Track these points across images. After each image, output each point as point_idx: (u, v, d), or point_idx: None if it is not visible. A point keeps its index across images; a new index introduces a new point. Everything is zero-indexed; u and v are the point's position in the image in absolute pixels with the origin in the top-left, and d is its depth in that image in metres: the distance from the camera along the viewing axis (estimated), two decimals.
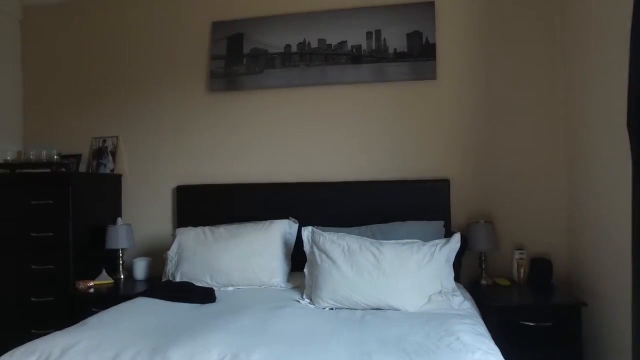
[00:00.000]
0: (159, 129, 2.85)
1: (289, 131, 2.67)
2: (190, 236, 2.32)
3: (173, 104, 2.83)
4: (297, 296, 2.01)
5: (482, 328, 1.56)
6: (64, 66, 3.04)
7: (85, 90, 3.00)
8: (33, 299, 2.50)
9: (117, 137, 2.89)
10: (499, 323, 1.91)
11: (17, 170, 2.68)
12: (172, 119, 2.83)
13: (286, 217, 2.42)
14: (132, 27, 2.92)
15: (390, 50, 2.55)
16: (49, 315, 2.48)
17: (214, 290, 2.05)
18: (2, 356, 1.41)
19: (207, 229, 2.35)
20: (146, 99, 2.88)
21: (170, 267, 2.31)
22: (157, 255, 2.72)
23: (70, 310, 2.44)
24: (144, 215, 2.85)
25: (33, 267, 2.49)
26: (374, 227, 2.25)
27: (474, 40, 2.53)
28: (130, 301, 1.99)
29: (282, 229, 2.31)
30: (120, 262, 2.65)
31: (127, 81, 2.92)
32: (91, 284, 2.47)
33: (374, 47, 2.58)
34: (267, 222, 2.34)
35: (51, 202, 2.47)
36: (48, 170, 2.65)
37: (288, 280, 2.22)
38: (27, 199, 2.51)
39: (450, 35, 2.55)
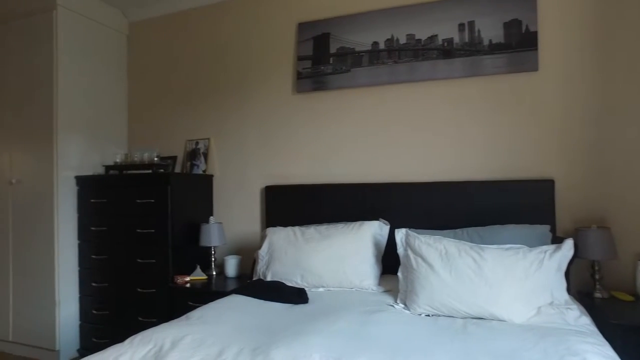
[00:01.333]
0: (247, 131, 2.94)
1: (378, 130, 2.61)
2: (280, 236, 2.36)
3: (261, 106, 2.91)
4: (390, 300, 1.94)
5: (610, 350, 1.38)
6: (163, 75, 3.27)
7: (181, 96, 3.19)
8: (139, 289, 2.70)
9: (208, 139, 3.04)
10: (623, 346, 1.67)
11: (124, 172, 2.92)
12: (260, 120, 2.90)
13: (375, 218, 2.36)
14: (223, 34, 3.05)
15: (485, 42, 2.39)
16: (152, 305, 2.67)
17: (305, 291, 2.05)
18: (126, 340, 1.52)
19: (297, 229, 2.36)
20: (235, 103, 2.99)
21: (261, 266, 2.36)
22: (247, 253, 2.81)
23: (170, 302, 2.60)
24: (233, 214, 2.96)
25: (138, 260, 2.69)
26: (470, 230, 2.11)
27: (583, 26, 2.28)
28: (225, 298, 2.06)
29: (372, 231, 2.25)
30: (213, 259, 2.77)
31: (219, 86, 3.06)
32: (187, 279, 2.61)
33: (466, 40, 2.43)
34: (357, 223, 2.29)
35: (152, 201, 2.65)
36: (149, 171, 2.86)
37: (379, 284, 2.16)
38: (133, 197, 2.72)
39: (554, 21, 2.32)
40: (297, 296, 1.98)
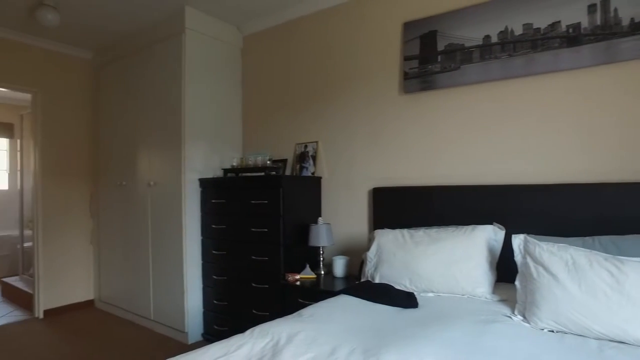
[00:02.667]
0: (354, 134, 2.98)
1: (490, 129, 2.45)
2: (389, 238, 2.34)
3: (367, 108, 2.92)
4: (506, 311, 1.81)
5: None
6: (273, 83, 3.48)
7: (290, 102, 3.36)
8: (253, 284, 2.91)
9: (316, 142, 3.15)
10: None
11: (240, 174, 3.17)
12: (367, 122, 2.92)
13: (488, 222, 2.22)
14: (328, 39, 3.14)
15: (625, 22, 2.09)
16: (265, 300, 2.84)
17: (414, 295, 2.01)
18: (247, 331, 1.64)
19: (405, 231, 2.33)
20: (342, 106, 3.05)
21: (369, 268, 2.37)
22: (354, 254, 2.85)
23: (281, 298, 2.75)
24: (341, 215, 3.02)
25: (253, 257, 2.90)
26: (604, 239, 1.87)
27: None
28: (335, 298, 2.12)
29: (486, 236, 2.13)
30: (321, 259, 2.86)
31: (325, 90, 3.15)
32: (297, 277, 2.73)
33: (598, 23, 2.16)
34: (470, 227, 2.18)
35: (266, 202, 2.83)
36: (262, 173, 3.06)
37: (494, 292, 2.03)
38: (248, 198, 2.94)
39: None
40: (406, 300, 1.95)
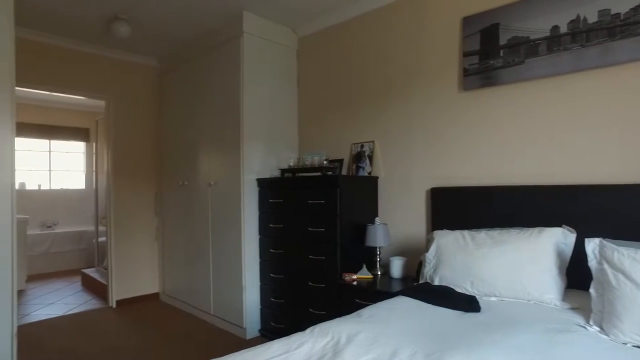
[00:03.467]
0: (412, 133, 2.93)
1: (557, 126, 2.31)
2: (448, 240, 2.28)
3: (425, 106, 2.86)
4: (580, 320, 1.70)
5: None
6: (328, 83, 3.50)
7: (346, 101, 3.36)
8: (310, 283, 2.94)
9: (373, 142, 3.12)
10: None
11: (297, 174, 3.22)
12: (425, 121, 2.86)
13: (556, 224, 2.09)
14: (383, 38, 3.10)
15: None
16: (321, 299, 2.87)
17: (477, 299, 1.94)
18: (307, 330, 1.67)
19: (466, 233, 2.25)
20: (399, 105, 3.00)
21: (428, 270, 2.32)
22: (411, 255, 2.80)
23: (337, 297, 2.76)
24: (398, 215, 2.98)
25: (310, 256, 2.93)
26: None
27: None
28: (393, 299, 2.09)
29: (554, 239, 2.00)
30: (378, 259, 2.84)
31: (382, 89, 3.12)
32: (354, 277, 2.72)
33: None
34: (536, 229, 2.07)
35: (323, 202, 2.85)
36: (319, 173, 3.08)
37: (564, 299, 1.91)
38: (305, 198, 2.97)
39: None
40: (467, 303, 1.89)
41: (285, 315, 3.16)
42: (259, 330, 3.41)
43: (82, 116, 7.01)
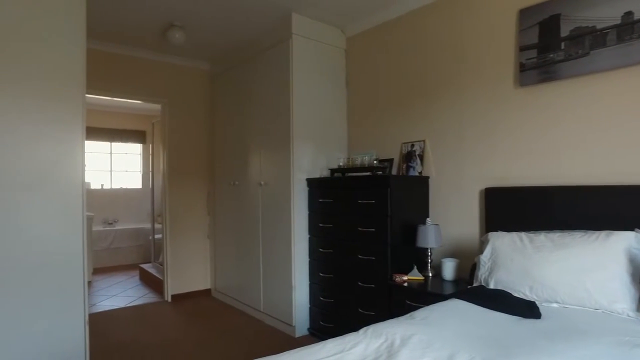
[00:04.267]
0: (464, 131, 2.84)
1: (627, 122, 2.15)
2: (504, 242, 2.19)
3: (478, 104, 2.76)
4: None
5: None
6: (377, 82, 3.47)
7: (395, 100, 3.32)
8: (359, 283, 2.93)
9: (424, 141, 3.06)
10: None
11: (346, 174, 3.22)
12: (478, 119, 2.76)
13: (625, 228, 1.95)
14: (433, 34, 3.03)
15: None
16: (371, 299, 2.85)
17: (536, 305, 1.85)
18: (360, 330, 1.66)
19: (523, 235, 2.16)
20: (450, 102, 2.93)
21: (482, 272, 2.25)
22: (464, 257, 2.72)
23: (388, 298, 2.73)
24: (450, 216, 2.90)
25: (359, 256, 2.92)
26: None
27: None
28: (446, 302, 2.04)
29: (625, 243, 1.87)
30: (429, 260, 2.78)
31: (432, 87, 3.05)
32: (405, 278, 2.69)
33: None
34: (603, 233, 1.94)
35: (373, 201, 2.84)
36: (368, 173, 3.07)
37: (638, 309, 1.78)
38: (355, 198, 2.97)
39: None
40: (527, 309, 1.81)
41: (334, 315, 3.18)
42: (308, 329, 3.44)
43: (139, 119, 7.40)
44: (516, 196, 2.49)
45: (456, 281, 2.63)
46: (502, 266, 2.13)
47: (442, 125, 2.97)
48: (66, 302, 2.49)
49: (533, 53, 2.48)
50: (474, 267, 2.41)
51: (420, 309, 1.94)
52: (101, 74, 4.07)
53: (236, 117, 4.21)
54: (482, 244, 2.37)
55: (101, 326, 3.66)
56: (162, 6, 3.29)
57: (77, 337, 2.53)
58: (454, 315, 1.82)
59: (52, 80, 2.46)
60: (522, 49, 2.53)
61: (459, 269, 2.66)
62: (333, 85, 3.67)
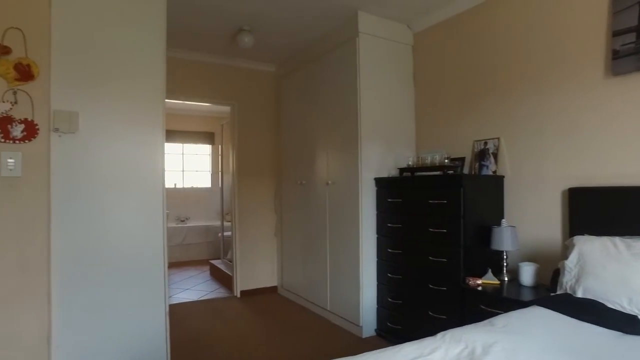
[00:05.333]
0: (544, 127, 2.65)
1: None
2: (594, 247, 2.01)
3: (560, 97, 2.57)
4: None
5: None
6: (446, 78, 3.35)
7: (466, 97, 3.18)
8: (430, 285, 2.85)
9: (498, 139, 2.91)
10: None
11: (415, 173, 3.14)
12: (560, 114, 2.57)
13: None
14: (504, 25, 2.87)
15: None
16: (442, 302, 2.76)
17: (638, 319, 1.68)
18: (437, 335, 1.61)
19: (617, 240, 1.97)
20: (527, 97, 2.75)
21: (568, 279, 2.08)
22: (544, 262, 2.55)
23: (460, 302, 2.62)
24: (527, 218, 2.73)
25: (430, 258, 2.84)
26: None
27: None
28: (528, 309, 1.92)
29: None
30: (505, 264, 2.64)
31: (505, 81, 2.89)
32: (479, 281, 2.57)
33: None
34: None
35: (445, 202, 2.74)
36: (439, 172, 2.97)
37: None
38: (425, 198, 2.89)
39: None
40: (627, 323, 1.65)
41: (403, 317, 3.11)
42: (375, 330, 3.41)
43: (208, 121, 7.76)
44: (607, 197, 2.28)
45: (535, 287, 2.47)
46: (592, 273, 1.96)
47: (519, 121, 2.80)
48: (149, 293, 2.67)
49: (630, 37, 2.25)
50: (556, 273, 2.24)
51: (500, 316, 1.84)
52: (175, 79, 4.31)
53: (302, 117, 4.27)
54: (567, 249, 2.20)
55: (177, 317, 3.87)
56: (232, 12, 3.41)
57: (159, 325, 2.70)
58: (539, 325, 1.70)
59: (136, 87, 2.64)
60: (616, 33, 2.31)
61: (538, 274, 2.50)
62: (400, 82, 3.60)
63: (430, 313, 2.84)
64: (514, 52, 2.84)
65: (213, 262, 5.89)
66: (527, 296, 2.31)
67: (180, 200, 7.48)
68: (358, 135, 3.34)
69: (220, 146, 6.41)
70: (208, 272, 5.96)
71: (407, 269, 3.07)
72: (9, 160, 2.20)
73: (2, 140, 2.19)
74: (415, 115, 3.66)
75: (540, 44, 2.68)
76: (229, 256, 5.65)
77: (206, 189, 7.91)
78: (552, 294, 2.14)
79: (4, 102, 2.19)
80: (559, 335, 1.60)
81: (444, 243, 2.75)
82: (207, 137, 7.83)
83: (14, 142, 2.22)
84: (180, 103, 5.90)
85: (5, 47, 2.19)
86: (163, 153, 2.73)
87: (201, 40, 4.07)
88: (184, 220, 7.39)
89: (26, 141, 2.25)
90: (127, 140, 2.61)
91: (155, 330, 2.69)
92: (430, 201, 2.83)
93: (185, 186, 7.76)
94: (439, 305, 2.79)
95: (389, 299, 3.25)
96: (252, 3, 3.26)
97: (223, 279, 5.28)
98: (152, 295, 2.68)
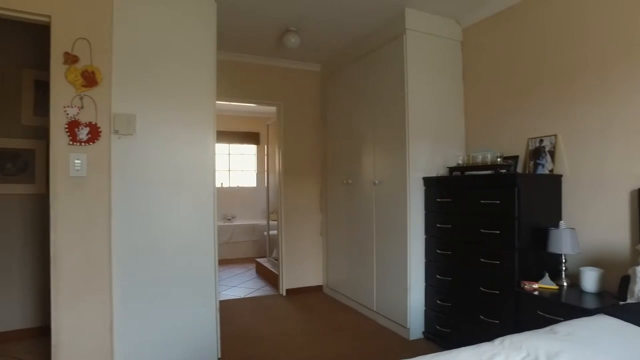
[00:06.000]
0: (608, 122, 2.48)
1: None
2: None
3: (628, 89, 2.39)
4: None
5: None
6: (497, 74, 3.23)
7: (519, 93, 3.05)
8: (482, 288, 2.75)
9: (555, 136, 2.76)
10: None
11: (465, 172, 3.05)
12: (627, 107, 2.39)
13: None
14: (562, 14, 2.71)
15: None
16: (495, 306, 2.66)
17: None
18: (495, 340, 1.54)
19: None
20: (587, 91, 2.59)
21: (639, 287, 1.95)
22: (608, 267, 2.40)
23: (515, 307, 2.52)
24: (588, 219, 2.58)
25: (482, 260, 2.75)
26: None
27: None
28: (594, 317, 1.80)
29: None
30: (563, 268, 2.51)
31: (563, 74, 2.73)
32: (535, 286, 2.45)
33: None
34: None
35: (497, 202, 2.64)
36: (490, 171, 2.86)
37: None
38: (476, 198, 2.79)
39: None
40: None
41: (452, 320, 3.03)
42: (423, 332, 3.34)
43: (253, 122, 7.92)
44: None
45: (599, 294, 2.32)
46: None
47: (578, 115, 2.65)
48: (200, 289, 2.77)
49: None
50: (625, 280, 2.10)
51: (562, 323, 1.74)
52: (223, 81, 4.41)
53: (348, 116, 4.26)
54: (638, 254, 2.05)
55: (224, 313, 3.97)
56: (279, 14, 3.46)
57: (210, 320, 2.79)
58: (609, 336, 1.60)
59: (189, 90, 2.75)
60: None
61: (602, 280, 2.35)
62: (449, 79, 3.51)
63: (482, 317, 2.75)
64: (570, 42, 2.69)
65: (259, 260, 6.00)
66: (590, 303, 2.18)
67: (227, 199, 7.68)
68: (406, 134, 3.28)
69: (265, 146, 6.52)
70: (254, 270, 6.08)
71: (457, 270, 2.98)
72: (76, 161, 2.34)
73: (70, 142, 2.34)
74: (464, 113, 3.55)
75: (602, 30, 2.51)
76: (274, 254, 5.74)
77: (251, 188, 8.07)
78: (621, 303, 2.00)
79: (72, 107, 2.34)
80: (633, 348, 1.49)
81: (496, 245, 2.65)
82: (252, 137, 7.99)
83: (80, 144, 2.36)
84: (226, 104, 6.06)
85: (75, 56, 2.34)
86: (214, 153, 2.82)
87: (247, 43, 4.16)
88: (230, 219, 7.59)
89: (90, 143, 2.39)
90: (180, 140, 2.72)
91: (207, 324, 2.78)
92: (482, 201, 2.74)
93: (232, 185, 7.96)
94: (492, 309, 2.69)
95: (438, 301, 3.17)
96: (299, 5, 3.29)
97: (269, 277, 5.37)
98: (204, 290, 2.78)
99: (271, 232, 5.99)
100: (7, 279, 3.36)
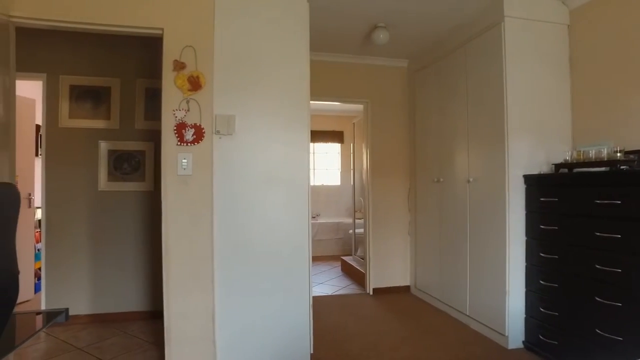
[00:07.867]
0: None
1: None
2: None
3: None
4: None
5: None
6: (613, 60, 2.87)
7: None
8: (597, 298, 2.47)
9: None
10: None
11: (573, 169, 2.77)
12: None
13: None
14: None
15: None
16: (616, 321, 2.36)
17: None
18: None
19: None
20: None
21: None
22: None
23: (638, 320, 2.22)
24: None
25: (597, 266, 2.46)
26: None
27: None
28: None
29: None
30: None
31: None
32: None
33: None
34: None
35: (618, 202, 2.34)
36: (605, 168, 2.56)
37: None
38: (589, 197, 2.52)
39: None
40: None
41: (559, 331, 2.77)
42: (523, 342, 3.10)
43: (337, 120, 7.99)
44: None
45: None
46: None
47: None
48: (295, 284, 2.85)
49: None
50: None
51: None
52: (312, 81, 4.51)
53: (438, 113, 4.10)
54: None
55: (314, 310, 4.03)
56: (368, 10, 3.43)
57: (303, 314, 2.86)
58: None
59: (284, 90, 2.85)
60: None
61: None
62: (552, 68, 3.21)
63: (598, 331, 2.46)
64: None
65: (345, 258, 6.04)
66: None
67: (312, 197, 7.81)
68: (504, 129, 3.07)
69: (352, 144, 6.54)
70: (339, 268, 6.13)
71: (565, 277, 2.71)
72: (183, 160, 2.54)
73: (178, 143, 2.54)
74: (571, 105, 3.22)
75: None
76: (359, 253, 5.73)
77: (335, 186, 8.15)
78: None
79: (180, 110, 2.54)
80: None
81: (617, 250, 2.35)
82: (336, 136, 8.06)
83: (187, 145, 2.55)
84: (311, 103, 6.16)
85: (182, 63, 2.54)
86: (308, 152, 2.90)
87: (333, 42, 4.19)
88: (315, 217, 7.74)
89: (195, 143, 2.58)
90: (276, 139, 2.83)
91: (300, 318, 2.86)
92: (597, 201, 2.45)
93: (316, 184, 8.11)
94: (612, 323, 2.39)
95: (541, 309, 2.92)
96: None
97: (354, 275, 5.37)
98: (298, 285, 2.86)
99: (357, 231, 5.99)
100: (123, 266, 3.76)
